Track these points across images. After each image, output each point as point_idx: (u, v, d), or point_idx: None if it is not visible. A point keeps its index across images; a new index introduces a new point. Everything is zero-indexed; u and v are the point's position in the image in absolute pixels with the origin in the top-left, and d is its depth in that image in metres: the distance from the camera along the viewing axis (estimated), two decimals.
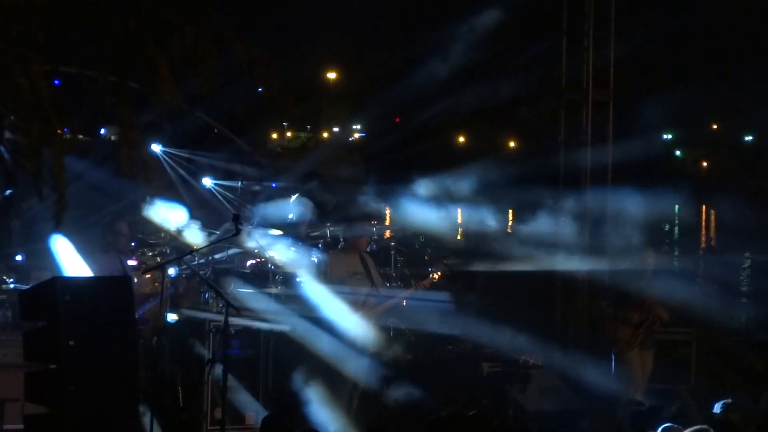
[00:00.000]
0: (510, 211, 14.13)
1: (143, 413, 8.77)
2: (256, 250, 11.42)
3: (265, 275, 11.38)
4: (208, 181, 13.65)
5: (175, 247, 11.54)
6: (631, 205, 12.44)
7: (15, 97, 6.12)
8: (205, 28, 6.56)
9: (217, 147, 16.21)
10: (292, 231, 11.51)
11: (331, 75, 48.63)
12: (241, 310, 9.53)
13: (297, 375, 10.27)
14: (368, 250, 11.30)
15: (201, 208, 12.31)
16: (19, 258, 11.86)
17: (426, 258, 13.85)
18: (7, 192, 7.05)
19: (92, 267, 10.30)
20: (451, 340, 11.98)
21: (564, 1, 13.38)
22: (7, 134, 6.52)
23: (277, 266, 11.32)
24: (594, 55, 13.29)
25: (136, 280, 10.77)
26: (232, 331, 9.93)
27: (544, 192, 13.26)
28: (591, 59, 13.29)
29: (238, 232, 9.34)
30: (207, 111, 16.07)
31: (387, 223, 13.17)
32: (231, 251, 11.60)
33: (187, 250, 10.71)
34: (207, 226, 11.40)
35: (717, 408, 7.97)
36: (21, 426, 8.58)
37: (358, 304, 10.44)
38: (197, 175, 14.02)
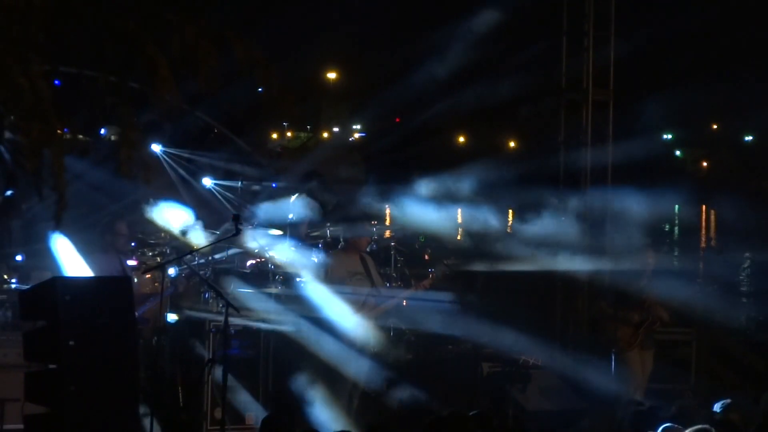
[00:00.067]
0: (510, 211, 14.12)
1: (143, 413, 8.77)
2: (256, 250, 11.42)
3: (265, 275, 11.38)
4: (208, 181, 13.64)
5: (175, 247, 11.55)
6: (631, 205, 12.43)
7: (15, 97, 6.11)
8: (205, 28, 6.56)
9: (217, 147, 16.20)
10: (292, 231, 11.52)
11: (331, 75, 48.66)
12: (241, 310, 9.54)
13: (297, 375, 10.27)
14: (368, 250, 11.31)
15: (201, 208, 12.29)
16: (19, 258, 11.86)
17: (426, 258, 13.85)
18: (8, 192, 7.05)
19: (92, 267, 10.31)
20: (451, 340, 11.98)
21: (564, 1, 13.38)
22: (7, 134, 6.52)
23: (277, 266, 11.32)
24: (594, 55, 13.29)
25: (136, 280, 10.77)
26: (232, 331, 9.93)
27: (544, 192, 13.25)
28: (591, 59, 13.29)
29: (238, 232, 9.35)
30: (207, 111, 16.06)
31: (387, 223, 13.16)
32: (231, 251, 11.60)
33: (187, 250, 10.71)
34: (207, 226, 11.40)
35: (717, 408, 7.97)
36: (21, 426, 8.59)
37: (358, 305, 10.44)
38: (197, 175, 14.01)
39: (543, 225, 12.42)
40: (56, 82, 6.71)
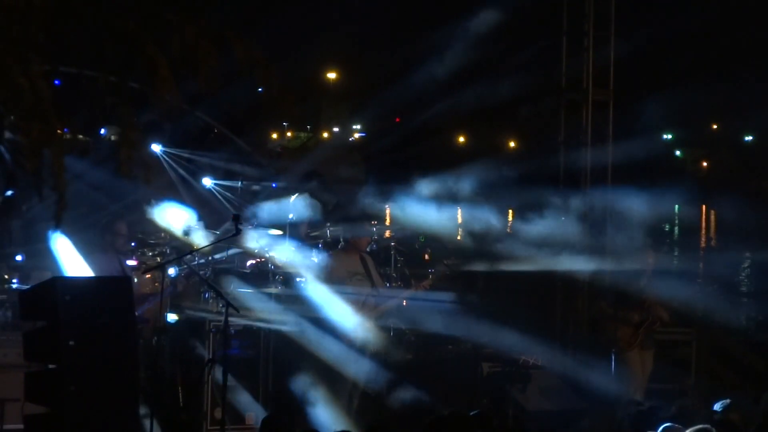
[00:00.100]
0: (510, 211, 14.11)
1: (143, 413, 8.77)
2: (256, 250, 11.42)
3: (265, 275, 11.39)
4: (208, 181, 13.64)
5: (175, 247, 11.55)
6: (631, 205, 12.43)
7: (15, 97, 6.11)
8: (205, 28, 6.56)
9: (217, 147, 16.19)
10: (292, 231, 11.52)
11: (331, 75, 48.66)
12: (241, 310, 9.54)
13: (297, 375, 10.27)
14: (368, 250, 11.31)
15: (201, 208, 12.30)
16: (19, 258, 11.86)
17: (426, 258, 13.85)
18: (8, 192, 7.04)
19: (91, 267, 10.31)
20: (451, 340, 11.97)
21: (564, 1, 13.37)
22: (7, 134, 6.51)
23: (277, 266, 11.33)
24: (594, 55, 13.28)
25: (136, 280, 10.77)
26: (232, 331, 9.93)
27: (544, 192, 13.25)
28: (591, 59, 13.28)
29: (238, 232, 9.35)
30: (207, 111, 16.06)
31: (387, 223, 13.16)
32: (231, 251, 11.60)
33: (187, 250, 10.71)
34: (207, 226, 11.41)
35: (717, 408, 7.98)
36: (21, 426, 8.59)
37: (358, 305, 10.44)
38: (197, 175, 14.01)
39: (543, 225, 12.42)
40: (56, 82, 6.71)
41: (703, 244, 33.62)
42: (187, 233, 11.10)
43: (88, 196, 12.27)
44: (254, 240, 11.22)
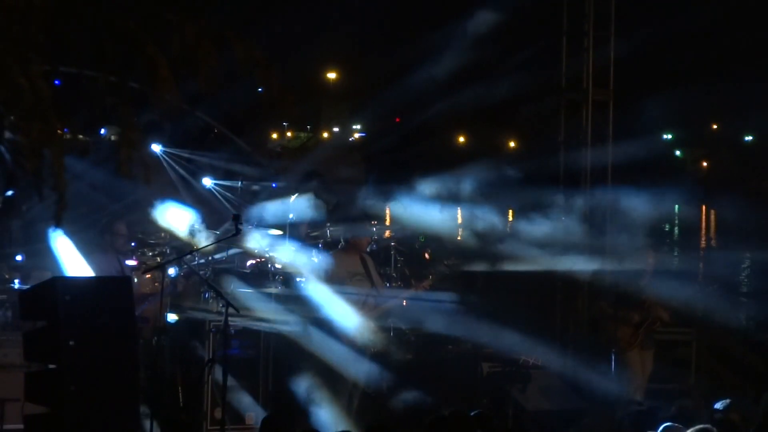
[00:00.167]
0: (510, 211, 14.11)
1: (143, 413, 8.77)
2: (256, 251, 11.42)
3: (265, 275, 11.39)
4: (208, 181, 13.65)
5: (175, 247, 11.55)
6: (631, 205, 12.43)
7: (15, 97, 6.11)
8: (205, 28, 6.56)
9: (217, 147, 16.20)
10: (292, 231, 11.52)
11: (331, 75, 48.62)
12: (241, 310, 9.54)
13: (297, 375, 10.27)
14: (368, 250, 11.31)
15: (201, 207, 12.30)
16: (19, 258, 11.87)
17: (426, 258, 13.85)
18: (8, 192, 7.05)
19: (91, 267, 10.32)
20: (451, 340, 11.97)
21: (564, 1, 13.37)
22: (7, 134, 6.52)
23: (277, 266, 11.32)
24: (594, 55, 13.27)
25: (136, 280, 10.78)
26: (232, 331, 9.93)
27: (544, 192, 13.25)
28: (591, 59, 13.28)
29: (238, 232, 9.35)
30: (207, 111, 16.05)
31: (387, 223, 13.16)
32: (231, 251, 11.60)
33: (187, 250, 10.71)
34: (207, 226, 11.40)
35: (717, 408, 7.97)
36: (21, 426, 8.59)
37: (358, 305, 10.44)
38: (197, 175, 14.02)
39: (543, 225, 12.42)
40: (56, 82, 6.71)
41: (703, 244, 33.59)
42: (193, 234, 11.10)
43: (88, 196, 12.28)
44: (254, 240, 11.21)
